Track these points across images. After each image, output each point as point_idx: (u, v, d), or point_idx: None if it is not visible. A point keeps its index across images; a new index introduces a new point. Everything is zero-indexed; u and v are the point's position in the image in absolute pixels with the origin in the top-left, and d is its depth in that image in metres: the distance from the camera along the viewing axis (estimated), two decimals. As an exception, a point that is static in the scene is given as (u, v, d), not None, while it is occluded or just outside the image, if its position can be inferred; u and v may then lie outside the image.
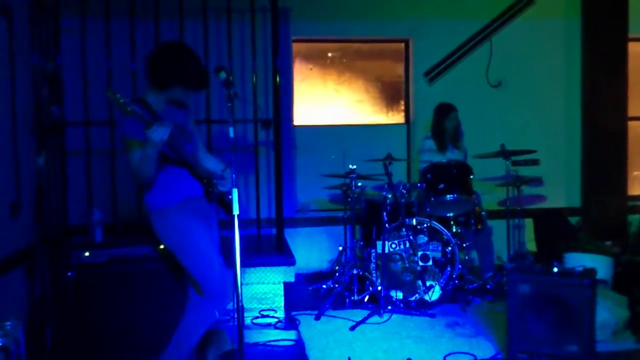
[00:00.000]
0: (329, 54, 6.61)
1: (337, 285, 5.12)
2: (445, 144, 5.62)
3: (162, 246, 3.64)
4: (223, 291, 3.32)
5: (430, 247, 4.92)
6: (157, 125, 3.05)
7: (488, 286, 5.16)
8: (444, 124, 5.60)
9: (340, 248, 5.58)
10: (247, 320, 4.58)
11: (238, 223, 3.00)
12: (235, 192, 3.02)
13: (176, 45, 3.45)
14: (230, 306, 3.58)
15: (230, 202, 3.11)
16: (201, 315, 3.36)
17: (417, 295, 4.83)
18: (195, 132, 3.54)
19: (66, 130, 5.22)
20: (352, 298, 4.94)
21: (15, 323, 3.10)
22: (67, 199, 5.21)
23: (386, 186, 5.06)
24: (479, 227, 5.31)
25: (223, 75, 3.10)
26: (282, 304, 4.89)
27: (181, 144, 3.29)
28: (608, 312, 3.97)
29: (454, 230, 5.19)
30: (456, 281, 4.94)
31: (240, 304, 2.99)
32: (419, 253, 4.87)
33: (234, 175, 3.04)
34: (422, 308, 4.76)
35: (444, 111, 5.63)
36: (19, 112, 4.16)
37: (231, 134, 3.07)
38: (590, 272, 3.63)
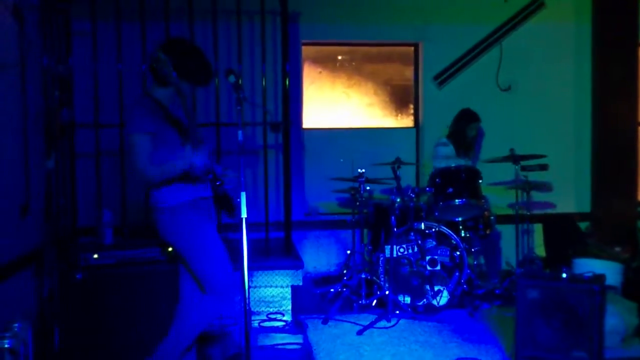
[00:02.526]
0: (339, 57, 6.61)
1: (344, 289, 5.10)
2: (460, 150, 5.60)
3: (170, 249, 3.65)
4: (229, 289, 3.32)
5: (439, 251, 4.91)
6: (205, 148, 3.19)
7: (496, 291, 5.13)
8: (465, 131, 5.58)
9: (349, 252, 5.56)
10: (255, 324, 4.59)
11: (246, 226, 3.01)
12: (243, 195, 3.03)
13: (179, 40, 3.53)
14: (237, 309, 3.58)
15: (235, 203, 3.12)
16: (205, 313, 3.36)
17: (425, 300, 4.82)
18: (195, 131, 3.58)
19: (76, 132, 5.25)
20: (360, 302, 4.93)
21: (23, 325, 3.10)
22: (77, 200, 5.24)
23: (395, 190, 5.05)
24: (487, 231, 5.28)
25: (232, 78, 3.12)
26: (290, 307, 4.88)
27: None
28: (617, 318, 3.94)
29: (463, 234, 5.17)
30: (464, 286, 4.91)
31: (247, 307, 3.00)
32: (427, 258, 4.86)
33: (242, 179, 3.05)
34: (430, 313, 4.74)
35: (469, 118, 5.60)
36: (29, 114, 4.17)
37: (240, 137, 3.08)
38: (599, 278, 3.61)
